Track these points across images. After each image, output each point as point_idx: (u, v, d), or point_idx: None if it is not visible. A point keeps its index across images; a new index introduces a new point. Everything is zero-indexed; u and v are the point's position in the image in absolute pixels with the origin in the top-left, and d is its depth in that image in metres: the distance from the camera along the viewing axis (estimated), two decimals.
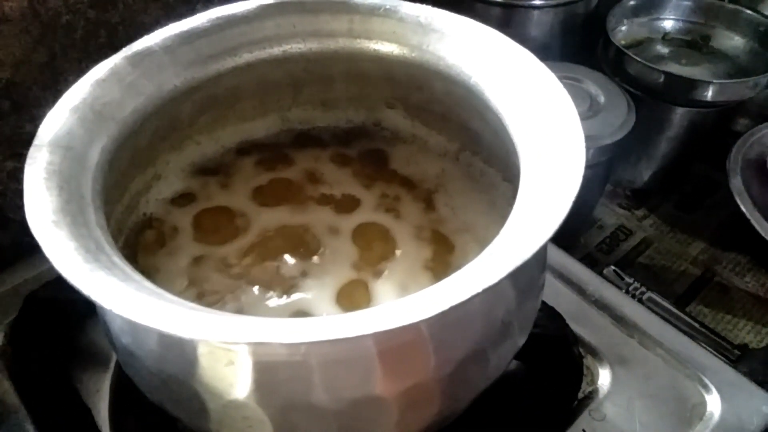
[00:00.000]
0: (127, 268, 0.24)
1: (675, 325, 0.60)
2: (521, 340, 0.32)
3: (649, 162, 0.70)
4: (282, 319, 0.22)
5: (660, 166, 0.70)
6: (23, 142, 0.52)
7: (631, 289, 0.63)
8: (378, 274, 0.34)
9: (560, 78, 0.62)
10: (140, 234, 0.36)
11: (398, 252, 0.36)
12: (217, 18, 0.35)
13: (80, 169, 0.28)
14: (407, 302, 0.22)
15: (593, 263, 0.67)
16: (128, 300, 0.21)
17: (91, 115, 0.30)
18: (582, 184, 0.29)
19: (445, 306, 0.21)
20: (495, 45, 0.34)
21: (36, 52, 0.49)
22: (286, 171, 0.40)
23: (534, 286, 0.33)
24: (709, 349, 0.44)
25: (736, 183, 0.61)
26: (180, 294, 0.33)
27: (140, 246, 0.35)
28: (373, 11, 0.36)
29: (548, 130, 0.30)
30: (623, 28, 0.71)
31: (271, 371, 0.24)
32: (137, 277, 0.24)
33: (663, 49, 0.70)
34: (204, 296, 0.33)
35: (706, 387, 0.40)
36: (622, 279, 0.64)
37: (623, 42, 0.70)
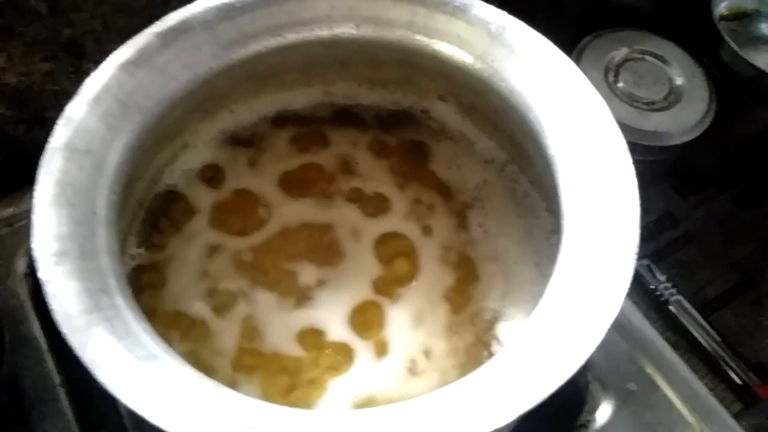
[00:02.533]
0: (129, 315, 0.23)
1: (694, 336, 0.59)
2: None
3: (717, 151, 0.65)
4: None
5: (728, 158, 0.65)
6: (59, 44, 0.51)
7: (660, 287, 0.61)
8: (395, 298, 0.33)
9: (644, 55, 0.57)
10: (160, 211, 0.35)
11: (420, 275, 0.34)
12: None
13: (97, 177, 0.26)
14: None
15: None
16: (123, 375, 0.21)
17: (115, 107, 0.28)
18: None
19: None
20: (565, 79, 0.30)
21: None
22: (320, 154, 0.38)
23: None
24: (716, 397, 0.43)
25: None
26: (191, 287, 0.33)
27: (159, 226, 0.34)
28: (439, 6, 0.32)
29: (603, 202, 0.27)
30: None
31: None
32: (138, 327, 0.23)
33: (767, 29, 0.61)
34: (215, 294, 0.32)
35: None
36: (654, 276, 0.62)
37: (725, 12, 0.62)
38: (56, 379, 0.40)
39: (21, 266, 0.43)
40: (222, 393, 0.22)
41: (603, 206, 0.27)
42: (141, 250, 0.33)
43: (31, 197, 0.46)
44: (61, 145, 0.26)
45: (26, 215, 0.45)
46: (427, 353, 0.32)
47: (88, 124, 0.27)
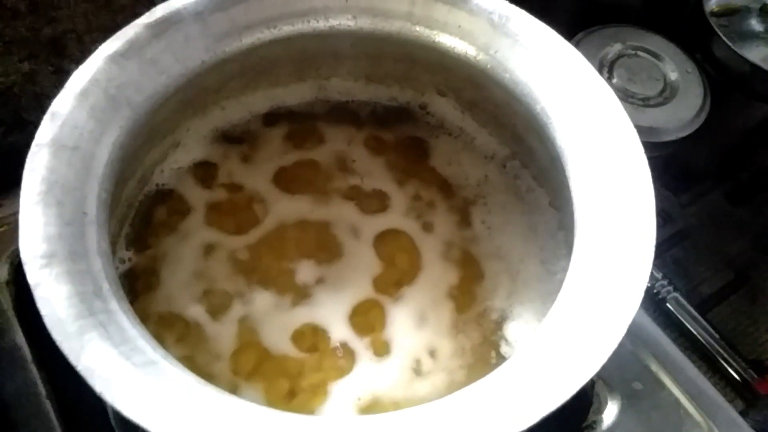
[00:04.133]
0: (124, 319, 0.22)
1: (692, 333, 0.59)
2: None
3: (710, 147, 0.64)
4: None
5: (720, 154, 0.65)
6: (40, 44, 0.49)
7: (657, 285, 0.61)
8: (397, 297, 0.32)
9: (637, 51, 0.56)
10: (152, 211, 0.33)
11: (423, 273, 0.33)
12: None
13: (86, 175, 0.25)
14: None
15: None
16: (122, 384, 0.19)
17: (103, 102, 0.26)
18: None
19: None
20: (571, 69, 0.29)
21: None
22: (315, 150, 0.37)
23: None
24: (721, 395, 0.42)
25: None
26: (186, 289, 0.31)
27: (151, 226, 0.33)
28: None
29: (616, 195, 0.26)
30: None
31: None
32: (134, 332, 0.22)
33: (758, 26, 0.61)
34: (211, 295, 0.31)
35: None
36: (651, 273, 0.61)
37: (715, 8, 0.61)
38: (42, 391, 0.38)
39: (2, 274, 0.41)
40: (225, 400, 0.21)
41: (617, 200, 0.26)
42: (130, 253, 0.32)
43: (4, 204, 0.45)
44: (48, 141, 0.24)
45: (2, 222, 0.44)
46: (432, 353, 0.31)
47: (75, 119, 0.25)
